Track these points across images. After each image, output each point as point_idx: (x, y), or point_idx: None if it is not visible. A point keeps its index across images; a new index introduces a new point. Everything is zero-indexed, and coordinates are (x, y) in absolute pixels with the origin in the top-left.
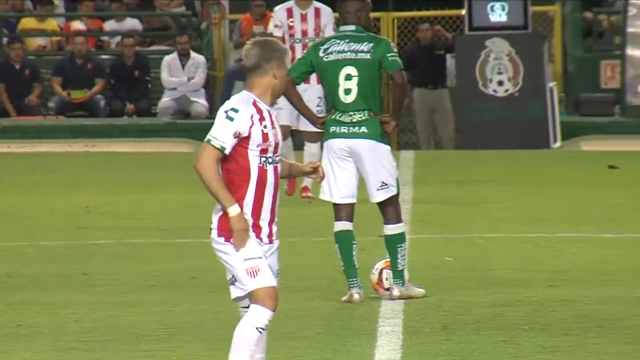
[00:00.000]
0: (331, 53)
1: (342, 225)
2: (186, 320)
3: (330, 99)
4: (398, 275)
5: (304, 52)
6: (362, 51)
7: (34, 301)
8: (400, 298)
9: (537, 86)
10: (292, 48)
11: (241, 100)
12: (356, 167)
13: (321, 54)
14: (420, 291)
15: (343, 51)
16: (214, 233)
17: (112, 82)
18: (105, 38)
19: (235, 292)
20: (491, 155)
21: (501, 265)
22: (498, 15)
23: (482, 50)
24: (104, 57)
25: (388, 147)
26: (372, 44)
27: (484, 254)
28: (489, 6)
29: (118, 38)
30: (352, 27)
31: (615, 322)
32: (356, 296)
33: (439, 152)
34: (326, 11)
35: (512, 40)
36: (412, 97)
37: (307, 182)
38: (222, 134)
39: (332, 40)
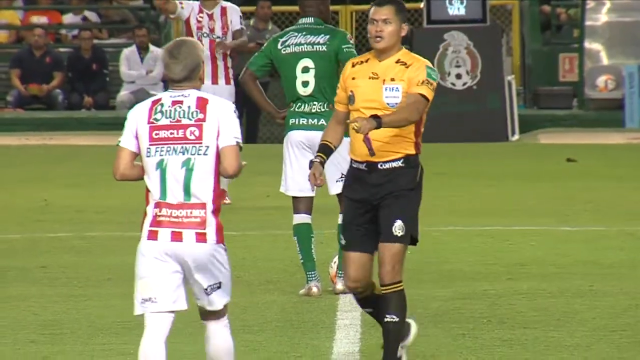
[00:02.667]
0: (289, 46)
1: (301, 218)
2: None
3: (289, 92)
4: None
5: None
6: (318, 43)
7: None
8: (343, 292)
9: (495, 79)
10: (200, 41)
11: None
12: None
13: (279, 47)
14: None
15: (300, 44)
16: (212, 240)
17: (69, 75)
18: (63, 31)
19: (223, 299)
20: (449, 147)
21: (459, 259)
22: (456, 8)
23: (441, 44)
24: (62, 50)
25: (347, 139)
26: (328, 36)
27: (441, 247)
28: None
29: (76, 31)
30: (311, 20)
31: (573, 315)
32: (314, 289)
33: None
34: (232, 10)
35: (471, 33)
36: None
37: (223, 185)
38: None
39: (290, 32)
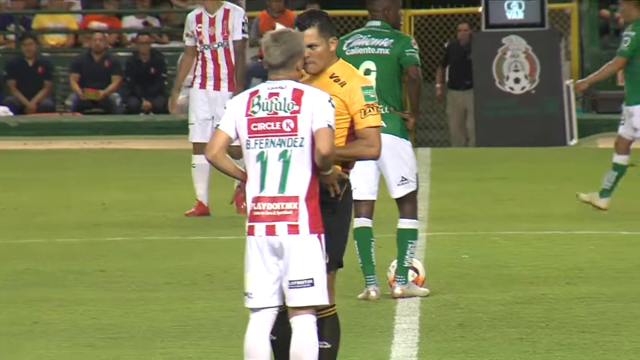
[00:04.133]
0: (353, 47)
1: (362, 222)
2: (202, 318)
3: None
4: (402, 271)
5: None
6: (382, 46)
7: (50, 298)
8: (401, 297)
9: (553, 84)
10: (202, 54)
11: None
12: (376, 163)
13: (345, 48)
14: (423, 290)
15: (364, 46)
16: (305, 231)
17: (128, 79)
18: (124, 34)
19: (311, 298)
20: (508, 152)
21: (517, 263)
22: (515, 12)
23: (499, 48)
24: (120, 54)
25: (409, 142)
26: (392, 40)
27: (500, 251)
28: (505, 3)
29: (134, 35)
30: (377, 23)
31: (632, 319)
32: (373, 293)
33: (456, 149)
34: (236, 13)
35: (529, 37)
36: (439, 95)
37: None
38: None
39: (356, 34)
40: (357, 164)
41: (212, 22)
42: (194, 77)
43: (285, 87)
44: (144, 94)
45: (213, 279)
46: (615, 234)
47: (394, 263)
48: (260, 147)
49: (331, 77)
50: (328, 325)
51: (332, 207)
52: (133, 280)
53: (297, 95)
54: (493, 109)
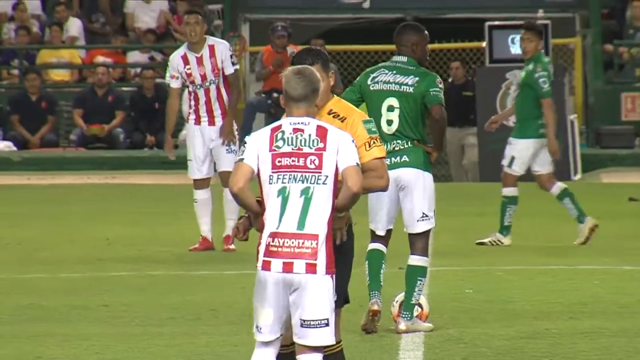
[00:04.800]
0: (377, 82)
1: (376, 245)
2: (206, 352)
3: None
4: (409, 307)
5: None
6: (406, 84)
7: (54, 333)
8: (406, 332)
9: (557, 118)
10: (195, 94)
11: None
12: (398, 194)
13: (369, 82)
14: (427, 325)
15: (388, 82)
16: (322, 271)
17: (132, 114)
18: (128, 70)
19: (322, 338)
20: None
21: (521, 298)
22: (519, 47)
23: (503, 83)
24: (124, 89)
25: (431, 175)
26: (417, 78)
27: (504, 286)
28: (509, 38)
29: (138, 70)
30: (404, 59)
31: (635, 354)
32: (375, 306)
33: (460, 184)
34: (221, 47)
35: None
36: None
37: (228, 231)
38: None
39: (382, 69)
40: (375, 196)
41: (199, 62)
42: (189, 113)
43: (308, 123)
44: (148, 129)
45: (217, 314)
46: (618, 269)
47: (398, 298)
48: (283, 183)
49: (329, 114)
50: None
51: (337, 245)
52: (137, 315)
53: (322, 133)
54: (497, 143)
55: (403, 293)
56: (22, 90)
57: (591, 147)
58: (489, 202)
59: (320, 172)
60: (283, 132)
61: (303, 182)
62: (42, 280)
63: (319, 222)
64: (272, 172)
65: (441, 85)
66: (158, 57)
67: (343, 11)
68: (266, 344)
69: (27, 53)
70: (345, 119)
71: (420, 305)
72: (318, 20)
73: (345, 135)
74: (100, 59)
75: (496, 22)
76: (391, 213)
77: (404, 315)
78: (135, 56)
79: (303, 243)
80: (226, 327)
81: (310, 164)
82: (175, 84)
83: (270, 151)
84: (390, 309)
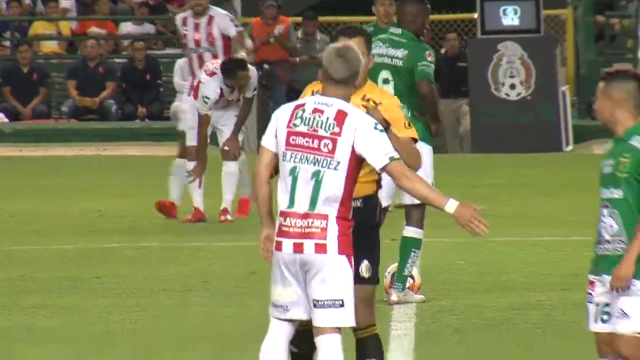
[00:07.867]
0: (373, 55)
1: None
2: (198, 324)
3: None
4: (401, 279)
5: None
6: (397, 57)
7: (46, 305)
8: (397, 303)
9: (549, 90)
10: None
11: None
12: None
13: None
14: (419, 297)
15: (381, 55)
16: (333, 251)
17: (123, 85)
18: (120, 41)
19: (336, 319)
20: (503, 158)
21: (513, 269)
22: (510, 18)
23: (495, 54)
24: (116, 60)
25: (430, 147)
26: (407, 52)
27: (496, 258)
28: (501, 10)
29: (130, 41)
30: (399, 31)
31: None
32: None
33: (451, 156)
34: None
35: (525, 43)
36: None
37: (225, 204)
38: None
39: (377, 41)
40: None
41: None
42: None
43: (331, 105)
44: (140, 101)
45: (209, 285)
46: None
47: (390, 269)
48: (295, 162)
49: (363, 99)
50: (372, 343)
51: (372, 223)
52: (129, 286)
53: (341, 117)
54: (489, 115)
55: (395, 264)
56: (14, 62)
57: (583, 119)
58: (483, 174)
59: (332, 157)
60: (304, 110)
61: (315, 165)
62: (34, 252)
63: (329, 203)
64: (286, 149)
65: (430, 59)
66: (149, 28)
67: None
68: (280, 323)
69: (19, 25)
70: (380, 103)
71: (412, 277)
72: None
73: (365, 122)
74: (94, 29)
75: None
76: (389, 187)
77: (395, 287)
78: (127, 27)
79: (312, 222)
80: (218, 299)
81: (324, 147)
82: (204, 110)
83: (287, 127)
84: (382, 280)
